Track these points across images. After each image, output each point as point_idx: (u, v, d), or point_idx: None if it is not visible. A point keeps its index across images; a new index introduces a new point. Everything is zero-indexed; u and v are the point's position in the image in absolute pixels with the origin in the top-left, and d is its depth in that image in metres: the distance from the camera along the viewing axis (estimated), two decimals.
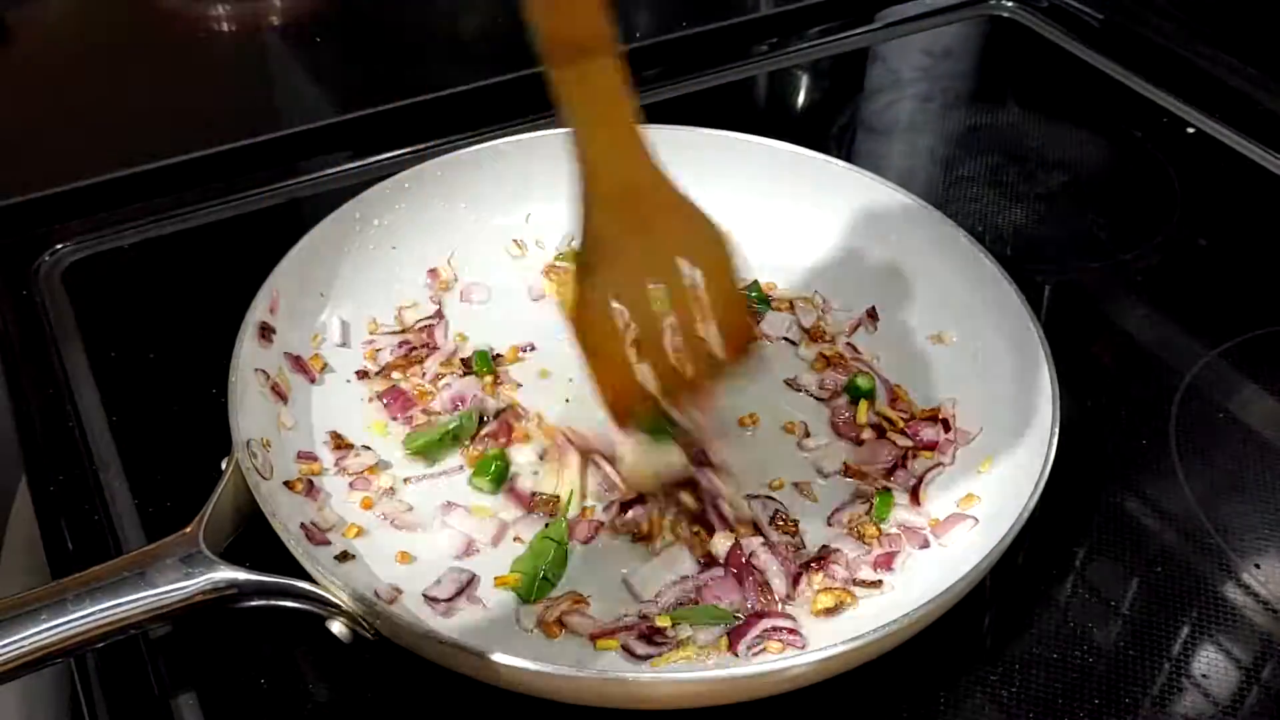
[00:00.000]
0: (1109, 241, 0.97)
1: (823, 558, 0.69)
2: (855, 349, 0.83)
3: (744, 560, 0.67)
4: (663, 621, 0.64)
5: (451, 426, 0.74)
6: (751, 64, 1.19)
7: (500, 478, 0.72)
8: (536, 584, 0.66)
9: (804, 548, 0.70)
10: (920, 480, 0.73)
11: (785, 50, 1.21)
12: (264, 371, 0.73)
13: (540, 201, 0.91)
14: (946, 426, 0.76)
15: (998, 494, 0.70)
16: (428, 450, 0.74)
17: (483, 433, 0.75)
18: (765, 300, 0.86)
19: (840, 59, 1.21)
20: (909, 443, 0.76)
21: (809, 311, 0.86)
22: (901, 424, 0.77)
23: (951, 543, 0.70)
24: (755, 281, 0.88)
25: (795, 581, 0.67)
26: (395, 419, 0.76)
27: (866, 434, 0.77)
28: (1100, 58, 1.19)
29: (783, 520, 0.71)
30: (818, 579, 0.68)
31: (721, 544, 0.68)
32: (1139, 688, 0.65)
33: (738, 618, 0.65)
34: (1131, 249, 0.96)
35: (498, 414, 0.76)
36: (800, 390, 0.81)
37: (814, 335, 0.84)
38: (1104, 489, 0.76)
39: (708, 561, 0.68)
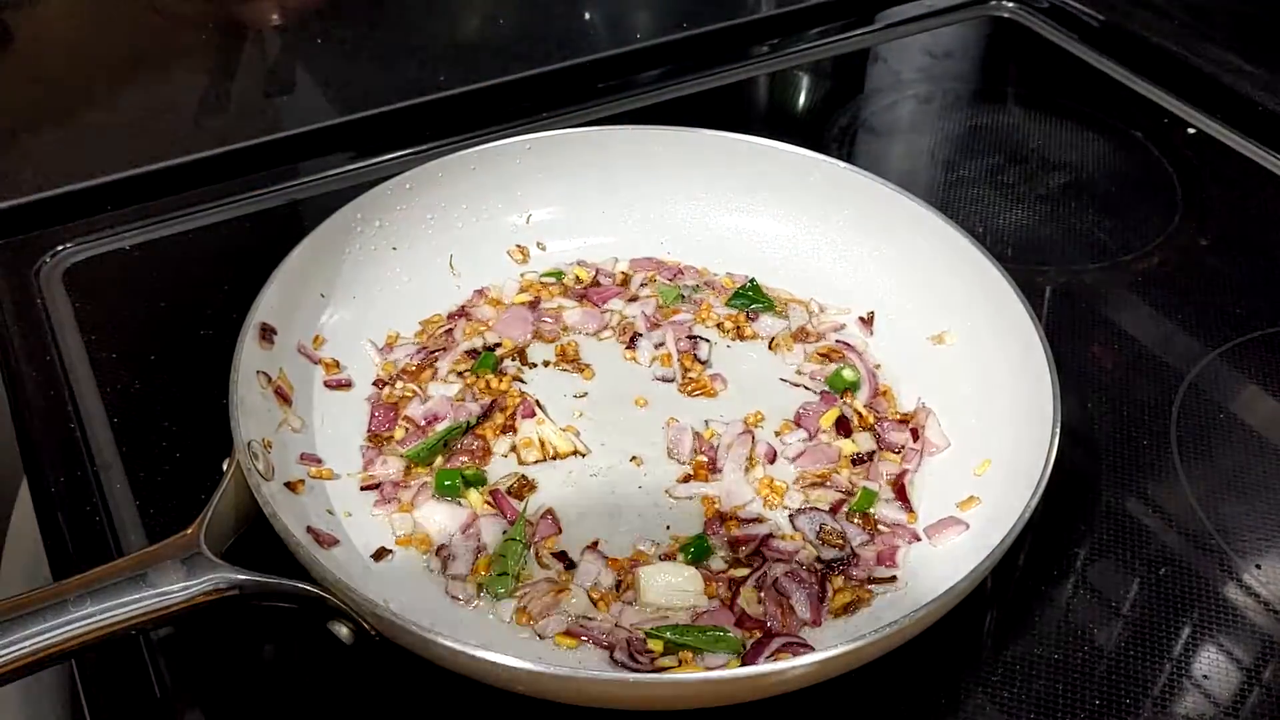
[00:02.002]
0: (1109, 241, 0.97)
1: (845, 561, 0.69)
2: (849, 344, 0.83)
3: (765, 591, 0.67)
4: (654, 645, 0.64)
5: (442, 432, 0.75)
6: (752, 65, 1.19)
7: (452, 491, 0.72)
8: (509, 580, 0.67)
9: (855, 557, 0.70)
10: (900, 480, 0.74)
11: (786, 51, 1.21)
12: (265, 373, 0.73)
13: (541, 203, 0.91)
14: (915, 435, 0.77)
15: (998, 494, 0.70)
16: (420, 456, 0.74)
17: (461, 446, 0.76)
18: (764, 299, 0.87)
19: (841, 60, 1.21)
20: (872, 445, 0.76)
21: (801, 314, 0.86)
22: (871, 421, 0.78)
23: (950, 543, 0.70)
24: (753, 280, 0.88)
25: (820, 599, 0.67)
26: (384, 429, 0.77)
27: (825, 434, 0.77)
28: (1100, 58, 1.19)
29: (829, 533, 0.71)
30: (838, 580, 0.68)
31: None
32: (1140, 689, 0.65)
33: (745, 646, 0.65)
34: (1131, 249, 0.96)
35: (478, 421, 0.77)
36: (798, 387, 0.81)
37: (802, 337, 0.84)
38: (1105, 489, 0.76)
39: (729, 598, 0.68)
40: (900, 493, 0.73)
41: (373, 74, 1.14)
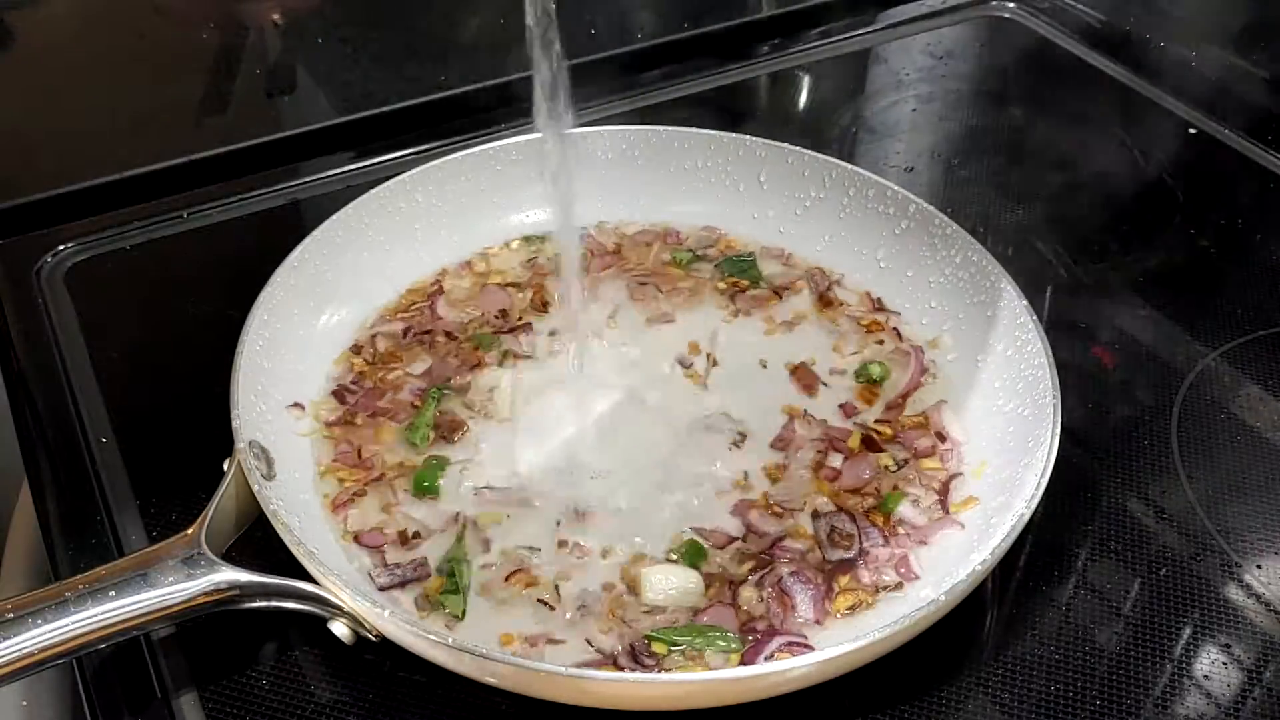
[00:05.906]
0: (1109, 242, 0.97)
1: (852, 562, 0.69)
2: (899, 334, 0.83)
3: (773, 587, 0.67)
4: (658, 648, 0.64)
5: (430, 411, 0.76)
6: (753, 65, 1.19)
7: (431, 491, 0.72)
8: (459, 598, 0.66)
9: (863, 556, 0.69)
10: (947, 484, 0.73)
11: (787, 51, 1.21)
12: (266, 373, 0.73)
13: (543, 202, 0.91)
14: (941, 436, 0.76)
15: (998, 495, 0.70)
16: (413, 434, 0.74)
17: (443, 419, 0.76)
18: (756, 271, 0.87)
19: (842, 60, 1.21)
20: (905, 454, 0.75)
21: (822, 280, 0.86)
22: (891, 434, 0.76)
23: (950, 544, 0.70)
24: (753, 255, 0.88)
25: (827, 596, 0.67)
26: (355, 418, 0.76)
27: (854, 449, 0.76)
28: (1100, 58, 1.19)
29: (839, 536, 0.70)
30: (844, 580, 0.68)
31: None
32: (1140, 689, 0.65)
33: (747, 641, 0.65)
34: (1131, 249, 0.96)
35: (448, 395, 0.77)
36: (833, 379, 0.80)
37: (826, 302, 0.85)
38: (1105, 489, 0.76)
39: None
40: (944, 494, 0.72)
41: (373, 74, 1.14)
